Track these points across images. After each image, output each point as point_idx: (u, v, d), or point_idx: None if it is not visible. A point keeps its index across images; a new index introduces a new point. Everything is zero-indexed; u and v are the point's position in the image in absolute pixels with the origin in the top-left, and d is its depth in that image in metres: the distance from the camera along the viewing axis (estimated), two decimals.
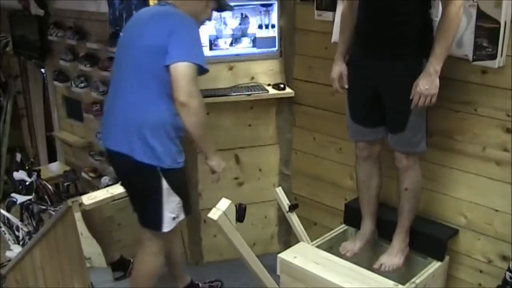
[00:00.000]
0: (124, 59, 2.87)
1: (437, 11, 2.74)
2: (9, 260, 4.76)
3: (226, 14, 3.52)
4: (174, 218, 2.92)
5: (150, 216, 2.93)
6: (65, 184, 5.85)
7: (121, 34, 3.04)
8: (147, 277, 3.09)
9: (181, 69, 2.63)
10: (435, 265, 3.05)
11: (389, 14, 2.70)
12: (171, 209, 2.89)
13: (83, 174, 5.97)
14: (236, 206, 2.59)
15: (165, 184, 2.82)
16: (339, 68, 2.99)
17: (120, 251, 3.85)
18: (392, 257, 3.05)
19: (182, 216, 2.98)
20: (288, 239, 3.96)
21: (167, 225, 2.90)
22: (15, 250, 5.08)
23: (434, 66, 2.58)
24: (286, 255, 3.05)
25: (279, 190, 3.56)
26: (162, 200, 2.84)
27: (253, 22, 3.59)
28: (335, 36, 3.26)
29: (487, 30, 2.67)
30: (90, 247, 3.94)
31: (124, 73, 2.84)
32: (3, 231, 5.47)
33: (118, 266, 3.84)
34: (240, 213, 2.66)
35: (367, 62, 2.85)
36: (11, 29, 6.57)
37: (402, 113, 2.77)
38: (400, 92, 2.72)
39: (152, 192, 2.85)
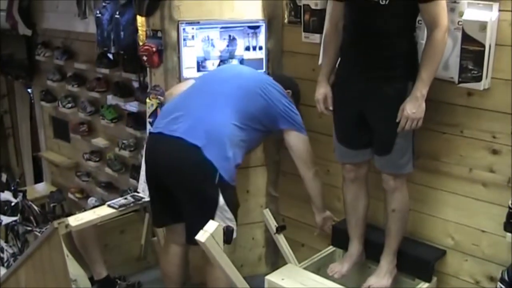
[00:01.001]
0: (233, 82, 3.12)
1: (422, 34, 2.77)
2: None
3: (214, 36, 3.53)
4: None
5: (197, 227, 2.81)
6: (51, 204, 5.81)
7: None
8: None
9: (303, 139, 3.23)
10: (422, 286, 3.05)
11: (374, 36, 2.71)
12: (221, 223, 2.87)
13: (70, 195, 5.95)
14: (223, 228, 2.58)
15: (221, 199, 2.89)
16: (323, 90, 3.00)
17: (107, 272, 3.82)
18: (380, 278, 3.05)
19: (234, 235, 2.94)
20: (275, 260, 3.94)
21: None
22: (0, 272, 5.03)
23: (421, 90, 2.60)
24: (274, 277, 3.05)
25: (267, 212, 3.56)
26: (214, 213, 2.87)
27: (241, 44, 3.60)
28: (322, 58, 3.27)
29: (472, 52, 2.69)
30: (76, 269, 3.91)
31: (225, 90, 3.05)
32: None
33: (103, 285, 3.80)
34: (228, 235, 2.66)
35: (352, 84, 2.86)
36: None
37: (388, 136, 2.79)
38: (386, 115, 2.74)
39: (207, 199, 2.89)
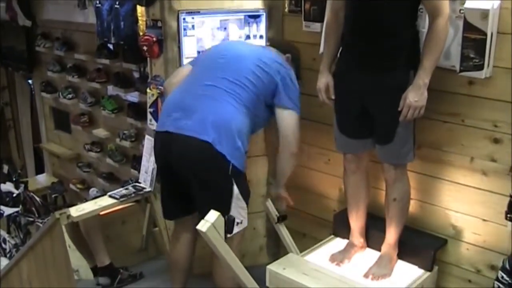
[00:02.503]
0: (232, 66, 2.99)
1: (424, 22, 2.76)
2: None
3: (214, 25, 3.52)
4: (238, 224, 2.90)
5: None
6: (53, 196, 5.83)
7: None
8: (232, 281, 3.06)
9: (294, 119, 3.04)
10: (423, 275, 3.06)
11: (374, 25, 2.71)
12: (237, 213, 2.89)
13: (71, 186, 5.96)
14: (225, 218, 2.58)
15: (235, 189, 2.87)
16: (325, 79, 2.99)
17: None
18: (381, 267, 3.06)
19: (245, 224, 2.98)
20: (277, 250, 3.94)
21: (234, 229, 2.87)
22: (2, 263, 5.03)
23: (423, 78, 2.60)
24: (275, 267, 3.06)
25: (268, 202, 3.55)
26: (231, 203, 2.87)
27: (242, 33, 3.58)
28: (323, 47, 3.27)
29: (474, 41, 2.69)
30: (78, 259, 3.93)
31: (226, 77, 2.94)
32: None
33: (106, 272, 3.81)
34: (229, 225, 2.65)
35: (354, 73, 2.86)
36: None
37: (389, 125, 2.78)
38: (387, 104, 2.73)
39: (223, 195, 2.87)
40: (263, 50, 3.20)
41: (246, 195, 2.97)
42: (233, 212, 2.86)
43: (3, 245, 5.41)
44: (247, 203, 2.98)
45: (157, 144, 3.04)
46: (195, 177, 2.89)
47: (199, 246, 3.25)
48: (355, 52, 2.84)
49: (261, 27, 3.61)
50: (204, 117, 2.83)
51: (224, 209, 2.77)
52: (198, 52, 3.52)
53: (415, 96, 2.62)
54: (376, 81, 2.75)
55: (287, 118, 3.03)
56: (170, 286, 3.44)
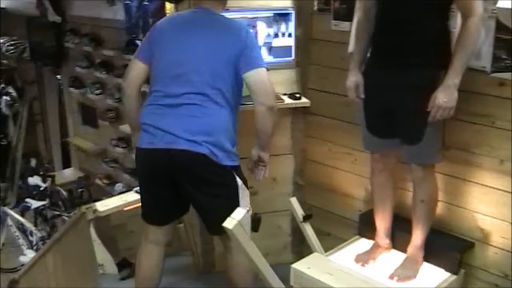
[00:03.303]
0: (190, 64, 2.82)
1: (455, 22, 2.73)
2: (23, 265, 4.77)
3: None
4: (247, 212, 2.84)
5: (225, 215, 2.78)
6: (79, 190, 5.86)
7: (162, 33, 2.95)
8: (249, 273, 3.06)
9: (265, 73, 2.83)
10: (449, 278, 3.02)
11: (406, 24, 2.69)
12: (245, 203, 2.88)
13: (97, 181, 5.99)
14: (251, 216, 2.58)
15: (239, 181, 2.85)
16: (355, 78, 2.98)
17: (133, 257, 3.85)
18: (406, 269, 3.03)
19: (250, 210, 2.89)
20: (301, 249, 3.94)
21: None
22: (28, 255, 5.09)
23: (453, 79, 2.57)
24: (300, 266, 3.05)
25: (294, 200, 3.54)
26: (238, 197, 2.85)
27: (270, 31, 3.58)
28: (352, 47, 3.25)
29: (505, 41, 2.66)
30: (103, 253, 3.95)
31: (190, 78, 2.81)
32: (17, 236, 5.49)
33: (122, 266, 3.84)
34: (255, 223, 2.65)
35: (383, 72, 2.84)
36: (28, 35, 6.62)
37: (418, 125, 2.76)
38: (416, 104, 2.70)
39: (230, 193, 2.85)
40: (224, 19, 2.97)
41: (245, 180, 2.95)
42: (242, 203, 2.84)
43: (30, 238, 5.47)
44: (248, 188, 2.96)
45: (143, 160, 2.91)
46: (196, 188, 2.84)
47: (220, 244, 3.25)
48: (385, 51, 2.82)
49: (290, 26, 3.60)
50: (190, 127, 2.76)
51: (234, 204, 2.76)
52: None
53: (444, 97, 2.59)
54: (405, 79, 2.73)
55: (258, 76, 2.82)
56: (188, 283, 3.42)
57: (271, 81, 2.86)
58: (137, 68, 2.99)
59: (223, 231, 2.68)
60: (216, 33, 2.87)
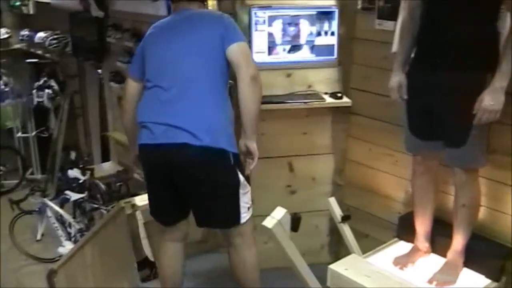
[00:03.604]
0: (178, 57, 2.87)
1: (503, 23, 2.66)
2: (61, 256, 4.84)
3: (285, 21, 3.51)
4: (248, 208, 2.92)
5: (226, 213, 2.89)
6: (117, 184, 5.92)
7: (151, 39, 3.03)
8: (255, 269, 3.08)
9: (244, 46, 2.83)
10: (490, 286, 2.96)
11: (452, 24, 2.64)
12: (245, 200, 2.90)
13: (135, 175, 6.03)
14: (291, 215, 2.56)
15: (240, 177, 2.85)
16: (398, 78, 2.94)
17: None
18: (446, 274, 2.98)
19: (251, 208, 2.96)
20: (338, 250, 3.92)
21: (244, 216, 2.90)
22: (67, 246, 5.18)
23: (501, 82, 2.52)
24: (337, 267, 3.02)
25: (332, 200, 3.51)
26: (239, 192, 2.85)
27: (313, 30, 3.56)
28: (395, 46, 3.21)
29: None
30: (146, 249, 3.97)
31: (184, 73, 2.84)
32: (56, 227, 5.58)
33: (142, 266, 3.83)
34: (295, 223, 2.64)
35: (428, 73, 2.79)
36: (71, 30, 6.70)
37: (462, 128, 2.71)
38: (461, 106, 2.65)
39: (230, 187, 2.85)
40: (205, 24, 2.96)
41: (247, 177, 2.94)
42: (242, 200, 2.86)
43: (68, 229, 5.55)
44: (249, 184, 2.95)
45: (147, 157, 2.94)
46: (198, 183, 2.83)
47: (260, 241, 3.25)
48: (430, 51, 2.78)
49: (333, 24, 3.57)
50: (189, 121, 2.76)
51: (234, 202, 2.82)
52: (268, 47, 3.53)
53: (491, 100, 2.53)
54: (450, 81, 2.68)
55: (239, 48, 2.81)
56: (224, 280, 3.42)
57: (251, 55, 2.90)
58: (131, 87, 3.12)
59: (215, 226, 2.92)
60: (198, 25, 2.92)
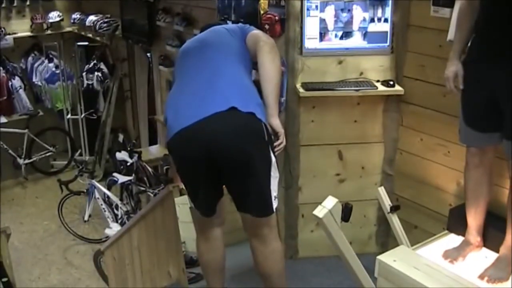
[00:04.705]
0: (209, 54, 2.95)
1: None
2: (107, 237, 4.91)
3: (338, 6, 3.45)
4: (275, 198, 2.83)
5: (260, 195, 2.79)
6: (164, 167, 5.97)
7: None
8: (282, 260, 3.03)
9: (256, 31, 3.02)
10: None
11: None
12: (275, 187, 2.81)
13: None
14: (342, 205, 2.53)
15: (272, 157, 2.75)
16: (454, 68, 2.86)
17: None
18: (498, 270, 2.90)
19: (277, 198, 2.86)
20: (386, 240, 3.87)
21: (274, 204, 2.83)
22: (114, 228, 5.25)
23: None
24: (386, 258, 2.97)
25: (381, 190, 3.47)
26: (270, 176, 2.76)
27: (366, 16, 3.50)
28: (451, 34, 3.12)
29: None
30: (185, 231, 4.00)
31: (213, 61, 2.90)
32: (103, 208, 5.66)
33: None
34: (346, 212, 2.60)
35: (486, 63, 2.71)
36: (121, 13, 6.77)
37: None
38: None
39: (264, 162, 2.73)
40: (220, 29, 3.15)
41: (277, 163, 2.83)
42: (273, 185, 2.77)
43: (115, 211, 5.63)
44: (279, 172, 2.86)
45: (180, 143, 2.80)
46: (231, 157, 2.70)
47: (303, 230, 3.21)
48: (489, 41, 2.69)
49: (387, 11, 3.51)
50: (216, 93, 2.73)
51: (265, 184, 2.72)
52: (320, 33, 3.48)
53: None
54: (509, 70, 2.59)
55: (254, 32, 3.00)
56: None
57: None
58: None
59: (251, 208, 2.77)
60: (220, 32, 3.08)
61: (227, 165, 2.73)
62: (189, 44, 3.11)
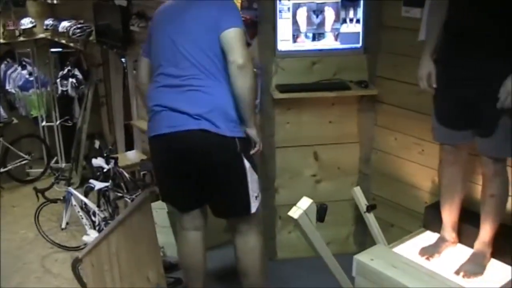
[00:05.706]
0: (180, 46, 2.87)
1: None
2: (85, 244, 4.87)
3: (310, 8, 3.48)
4: (256, 197, 2.94)
5: (237, 201, 2.94)
6: (141, 172, 5.93)
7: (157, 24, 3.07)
8: (262, 258, 3.10)
9: (236, 33, 2.78)
10: None
11: (484, 10, 2.59)
12: (254, 188, 2.92)
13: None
14: (317, 205, 2.54)
15: (246, 163, 2.86)
16: (427, 67, 2.88)
17: None
18: (473, 265, 2.94)
19: (260, 196, 2.99)
20: (364, 239, 3.89)
21: (254, 205, 2.94)
22: (92, 235, 5.19)
23: None
24: (363, 257, 2.99)
25: (357, 190, 3.48)
26: (247, 180, 2.87)
27: (338, 17, 3.52)
28: (423, 34, 3.16)
29: None
30: (164, 236, 3.99)
31: (186, 56, 2.86)
32: (81, 215, 5.60)
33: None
34: (321, 213, 2.62)
35: (457, 61, 2.75)
36: (95, 18, 6.71)
37: (492, 116, 2.65)
38: (491, 94, 2.60)
39: (238, 172, 2.87)
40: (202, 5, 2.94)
41: (255, 165, 2.94)
42: (251, 187, 2.88)
43: (93, 218, 5.57)
44: (257, 173, 2.95)
45: (156, 148, 3.01)
46: (204, 168, 2.87)
47: (285, 231, 3.24)
48: (460, 38, 2.72)
49: (359, 11, 3.54)
50: (190, 108, 2.79)
51: (242, 189, 2.84)
52: (293, 35, 3.50)
53: None
54: (482, 68, 2.63)
55: (230, 34, 2.79)
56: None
57: (244, 41, 2.82)
58: (145, 65, 3.15)
59: (228, 215, 2.93)
60: (196, 7, 2.90)
61: (200, 178, 2.91)
62: (162, 16, 3.04)
